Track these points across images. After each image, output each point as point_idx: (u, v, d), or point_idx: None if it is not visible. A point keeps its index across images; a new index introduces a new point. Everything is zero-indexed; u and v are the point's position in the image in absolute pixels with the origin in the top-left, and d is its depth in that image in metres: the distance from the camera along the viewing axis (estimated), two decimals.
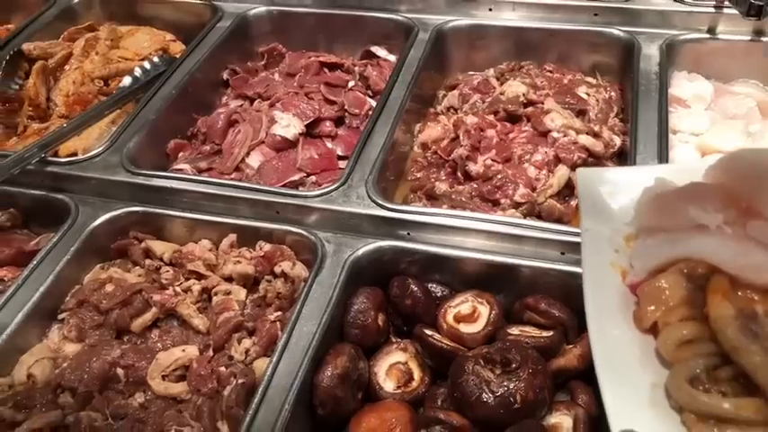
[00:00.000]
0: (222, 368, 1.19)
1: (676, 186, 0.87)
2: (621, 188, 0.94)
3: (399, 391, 1.24)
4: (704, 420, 0.72)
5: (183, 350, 1.24)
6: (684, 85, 1.70)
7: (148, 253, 1.43)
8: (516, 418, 1.08)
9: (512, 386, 1.09)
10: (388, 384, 1.25)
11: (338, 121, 1.73)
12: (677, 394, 0.74)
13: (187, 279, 1.36)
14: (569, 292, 1.28)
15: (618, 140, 1.54)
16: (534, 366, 1.12)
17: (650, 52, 1.71)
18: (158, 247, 1.43)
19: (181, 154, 1.69)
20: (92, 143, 1.65)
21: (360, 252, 1.34)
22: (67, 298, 1.36)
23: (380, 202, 1.38)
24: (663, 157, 1.40)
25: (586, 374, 1.21)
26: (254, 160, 1.63)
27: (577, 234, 1.28)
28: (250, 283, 1.35)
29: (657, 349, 0.79)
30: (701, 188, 0.85)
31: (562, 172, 1.45)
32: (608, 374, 0.76)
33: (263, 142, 1.65)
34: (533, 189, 1.44)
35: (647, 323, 0.81)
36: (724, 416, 0.71)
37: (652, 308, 0.81)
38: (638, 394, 0.76)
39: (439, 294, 1.35)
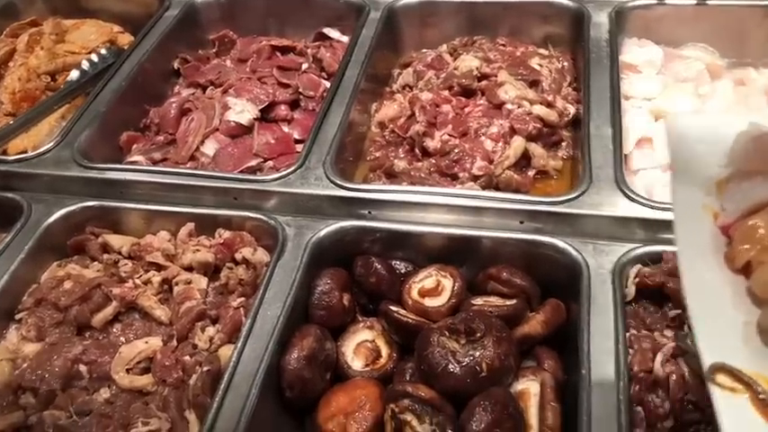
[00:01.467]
0: (187, 357, 1.18)
1: None
2: (711, 132, 0.92)
3: (368, 368, 1.24)
4: None
5: (146, 342, 1.22)
6: (635, 51, 1.72)
7: (106, 247, 1.41)
8: (483, 387, 1.09)
9: (477, 355, 1.10)
10: (356, 363, 1.25)
11: (293, 105, 1.71)
12: None
13: (146, 271, 1.33)
14: (530, 261, 1.29)
15: (572, 109, 1.56)
16: (498, 334, 1.13)
17: (600, 20, 1.72)
18: (116, 240, 1.40)
19: (134, 146, 1.66)
20: (41, 139, 1.61)
21: (321, 233, 1.34)
22: (24, 297, 1.33)
23: (339, 182, 1.37)
24: (616, 122, 1.41)
25: (551, 340, 1.22)
26: (209, 148, 1.60)
27: (535, 203, 1.31)
28: (210, 271, 1.33)
29: (750, 288, 0.79)
30: None
31: (518, 143, 1.46)
32: (699, 312, 0.76)
33: (218, 129, 1.63)
34: (491, 161, 1.44)
35: (739, 262, 0.82)
36: None
37: (746, 246, 0.81)
38: (730, 331, 0.76)
39: (403, 271, 1.35)
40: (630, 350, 1.12)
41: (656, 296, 1.20)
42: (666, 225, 1.23)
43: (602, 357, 1.09)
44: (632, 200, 1.27)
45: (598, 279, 1.20)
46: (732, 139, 0.88)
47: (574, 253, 1.24)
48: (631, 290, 1.20)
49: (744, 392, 0.70)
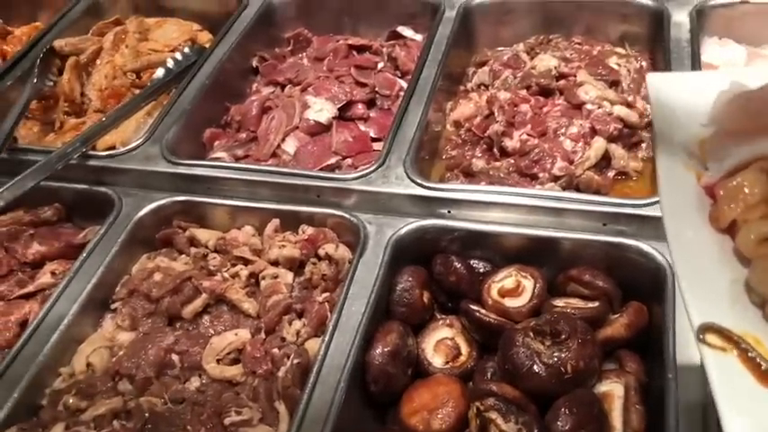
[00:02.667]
0: (275, 350, 1.22)
1: (755, 87, 0.85)
2: (693, 92, 0.92)
3: (448, 366, 1.26)
4: None
5: (236, 334, 1.26)
6: (716, 50, 1.69)
7: (193, 241, 1.46)
8: (567, 388, 1.10)
9: (562, 356, 1.11)
10: (436, 360, 1.27)
11: (369, 104, 1.74)
12: (759, 287, 0.74)
13: (234, 265, 1.38)
14: (612, 264, 1.30)
15: None
16: (583, 336, 1.14)
17: (680, 19, 1.71)
18: (203, 234, 1.45)
19: (217, 142, 1.71)
20: (129, 135, 1.67)
21: (402, 231, 1.36)
22: (118, 288, 1.39)
23: (420, 181, 1.40)
24: None
25: (633, 344, 1.22)
26: (290, 146, 1.65)
27: (618, 206, 1.31)
28: (296, 266, 1.37)
29: (736, 247, 0.79)
30: None
31: (599, 144, 1.46)
32: (686, 272, 0.76)
33: (297, 128, 1.67)
34: (571, 162, 1.44)
35: (724, 221, 0.81)
36: None
37: (731, 206, 0.80)
38: (718, 290, 0.76)
39: (482, 270, 1.37)
40: None
41: None
42: None
43: (689, 359, 1.09)
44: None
45: None
46: (713, 98, 0.87)
47: (659, 257, 1.24)
48: None
49: (733, 351, 0.70)
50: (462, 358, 1.27)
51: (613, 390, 1.13)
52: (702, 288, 0.75)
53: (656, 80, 0.99)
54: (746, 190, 0.80)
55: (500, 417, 1.08)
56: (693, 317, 0.72)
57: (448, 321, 1.32)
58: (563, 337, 1.13)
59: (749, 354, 0.70)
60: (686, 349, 1.10)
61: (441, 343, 1.30)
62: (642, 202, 1.29)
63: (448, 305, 1.36)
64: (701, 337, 0.71)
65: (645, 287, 1.26)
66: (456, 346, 1.29)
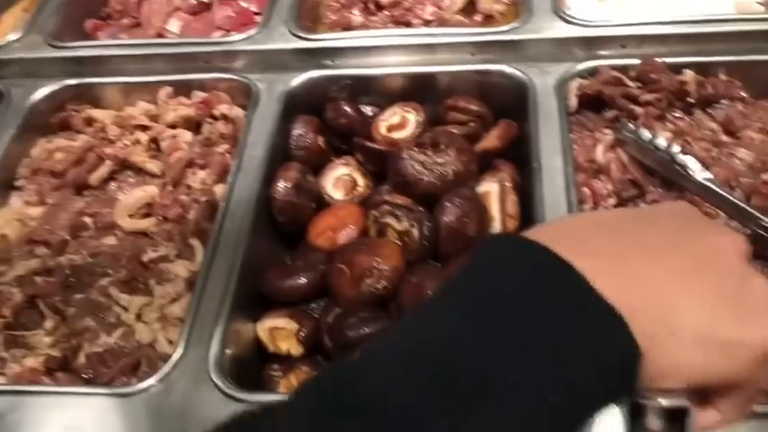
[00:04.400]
0: (183, 197, 1.30)
1: None
2: None
3: (348, 197, 1.38)
4: None
5: (144, 190, 1.33)
6: None
7: (90, 121, 1.50)
8: (451, 189, 1.23)
9: (443, 161, 1.24)
10: (336, 194, 1.38)
11: None
12: None
13: (132, 133, 1.44)
14: (483, 89, 1.42)
15: None
16: (460, 145, 1.27)
17: None
18: (99, 114, 1.49)
19: (100, 33, 1.72)
20: (6, 31, 1.66)
21: (292, 84, 1.44)
22: (20, 169, 1.42)
23: (302, 34, 1.48)
24: None
25: (507, 155, 1.37)
26: (174, 26, 1.68)
27: (483, 34, 1.45)
28: (194, 127, 1.44)
29: None
30: None
31: None
32: None
33: (179, 8, 1.70)
34: (440, 8, 1.56)
35: None
36: None
37: None
38: None
39: (370, 114, 1.48)
40: (575, 146, 1.28)
41: (596, 106, 1.36)
42: (599, 41, 1.38)
43: (550, 154, 1.25)
44: (568, 22, 1.40)
45: (543, 95, 1.35)
46: None
47: (521, 75, 1.38)
48: (573, 101, 1.35)
49: None
50: (360, 189, 1.39)
51: (490, 188, 1.27)
52: None
53: None
54: None
55: (394, 219, 1.21)
56: None
57: (344, 161, 1.43)
58: (442, 147, 1.26)
59: None
60: (549, 145, 1.26)
61: (339, 179, 1.41)
62: (504, 29, 1.42)
63: (343, 148, 1.47)
64: None
65: (513, 106, 1.39)
66: (353, 180, 1.41)
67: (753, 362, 0.49)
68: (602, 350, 0.46)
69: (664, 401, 0.49)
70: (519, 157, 1.37)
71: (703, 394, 0.51)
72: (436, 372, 0.46)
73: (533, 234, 0.52)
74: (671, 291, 0.50)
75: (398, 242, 1.20)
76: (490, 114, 1.41)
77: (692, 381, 0.49)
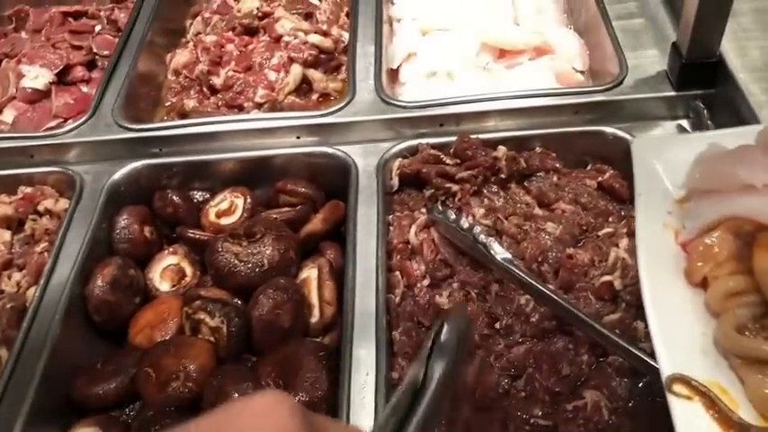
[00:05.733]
0: None
1: (728, 150, 0.93)
2: (675, 155, 1.00)
3: (175, 288, 1.35)
4: (749, 364, 0.80)
5: None
6: None
7: None
8: (268, 279, 1.23)
9: (258, 252, 1.24)
10: (163, 285, 1.36)
11: (90, 66, 1.78)
12: (723, 340, 0.82)
13: None
14: (312, 170, 1.44)
15: (347, 36, 1.70)
16: (278, 232, 1.27)
17: None
18: None
19: None
20: None
21: (116, 176, 1.43)
22: None
23: (127, 125, 1.46)
24: (377, 41, 1.57)
25: (333, 236, 1.38)
26: (8, 116, 1.65)
27: (308, 117, 1.46)
28: (14, 224, 1.40)
29: (706, 301, 0.87)
30: (750, 150, 0.91)
31: (296, 70, 1.59)
32: (659, 325, 0.83)
33: (15, 98, 1.67)
34: (273, 90, 1.57)
35: (697, 278, 0.89)
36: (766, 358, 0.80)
37: (701, 263, 0.88)
38: (689, 342, 0.82)
39: (201, 199, 1.47)
40: (392, 227, 1.29)
41: (419, 184, 1.38)
42: (419, 121, 1.41)
43: (366, 237, 1.26)
44: (388, 104, 1.43)
45: (365, 175, 1.37)
46: (692, 160, 0.96)
47: (344, 156, 1.40)
48: (395, 180, 1.37)
49: (697, 400, 0.77)
50: (187, 279, 1.37)
51: (310, 274, 1.27)
52: (674, 340, 0.82)
53: (639, 143, 1.07)
54: (716, 249, 0.88)
55: (207, 315, 1.19)
56: (664, 368, 0.79)
57: (172, 249, 1.40)
58: (258, 236, 1.26)
59: (713, 401, 0.77)
60: (366, 227, 1.27)
61: (167, 270, 1.38)
62: (327, 112, 1.44)
63: (173, 237, 1.45)
64: (670, 386, 0.78)
65: (341, 186, 1.41)
66: (181, 269, 1.38)
67: None
68: None
69: None
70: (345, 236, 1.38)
71: None
72: None
73: None
74: None
75: (211, 339, 1.18)
76: (321, 195, 1.42)
77: None
